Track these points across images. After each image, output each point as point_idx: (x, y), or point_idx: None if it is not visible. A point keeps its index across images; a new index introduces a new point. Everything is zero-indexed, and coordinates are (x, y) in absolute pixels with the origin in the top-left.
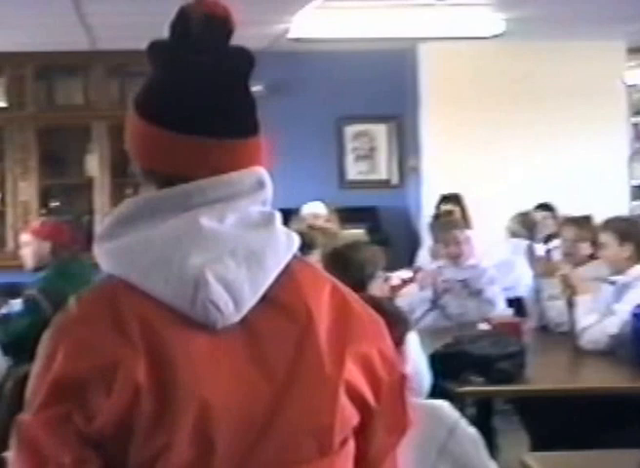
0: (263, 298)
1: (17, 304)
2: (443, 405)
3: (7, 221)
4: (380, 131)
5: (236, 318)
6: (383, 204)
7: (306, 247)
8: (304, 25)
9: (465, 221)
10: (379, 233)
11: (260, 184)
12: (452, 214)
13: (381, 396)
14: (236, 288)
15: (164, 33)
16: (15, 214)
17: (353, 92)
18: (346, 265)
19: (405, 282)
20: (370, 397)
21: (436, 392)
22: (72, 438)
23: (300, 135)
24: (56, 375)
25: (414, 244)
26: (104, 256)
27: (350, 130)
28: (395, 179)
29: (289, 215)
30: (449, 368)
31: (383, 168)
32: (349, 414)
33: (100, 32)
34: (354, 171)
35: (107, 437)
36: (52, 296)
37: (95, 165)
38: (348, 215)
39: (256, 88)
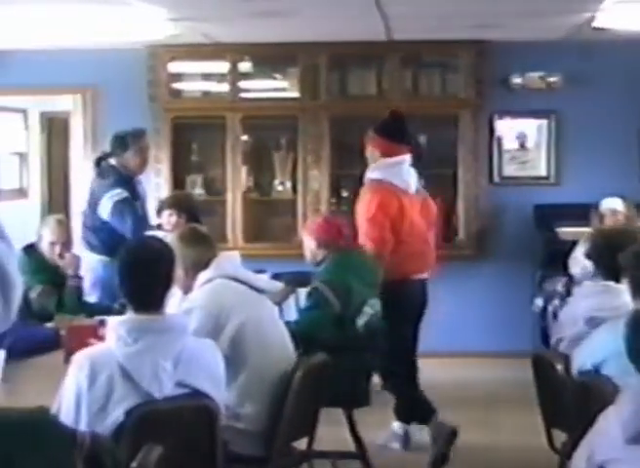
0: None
1: (303, 293)
2: None
3: (297, 210)
4: None
5: (411, 191)
6: None
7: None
8: (610, 15)
9: None
10: None
11: (408, 159)
12: None
13: (431, 217)
14: (409, 185)
15: (453, 24)
16: (305, 203)
17: None
18: None
19: None
20: (429, 216)
21: None
22: (382, 227)
23: (600, 126)
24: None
25: None
26: (379, 174)
27: None
28: None
29: (588, 210)
30: None
31: None
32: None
33: (397, 22)
34: None
35: (388, 224)
36: (336, 287)
37: None
38: None
39: (552, 78)
